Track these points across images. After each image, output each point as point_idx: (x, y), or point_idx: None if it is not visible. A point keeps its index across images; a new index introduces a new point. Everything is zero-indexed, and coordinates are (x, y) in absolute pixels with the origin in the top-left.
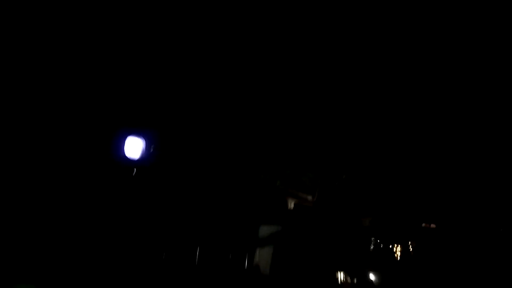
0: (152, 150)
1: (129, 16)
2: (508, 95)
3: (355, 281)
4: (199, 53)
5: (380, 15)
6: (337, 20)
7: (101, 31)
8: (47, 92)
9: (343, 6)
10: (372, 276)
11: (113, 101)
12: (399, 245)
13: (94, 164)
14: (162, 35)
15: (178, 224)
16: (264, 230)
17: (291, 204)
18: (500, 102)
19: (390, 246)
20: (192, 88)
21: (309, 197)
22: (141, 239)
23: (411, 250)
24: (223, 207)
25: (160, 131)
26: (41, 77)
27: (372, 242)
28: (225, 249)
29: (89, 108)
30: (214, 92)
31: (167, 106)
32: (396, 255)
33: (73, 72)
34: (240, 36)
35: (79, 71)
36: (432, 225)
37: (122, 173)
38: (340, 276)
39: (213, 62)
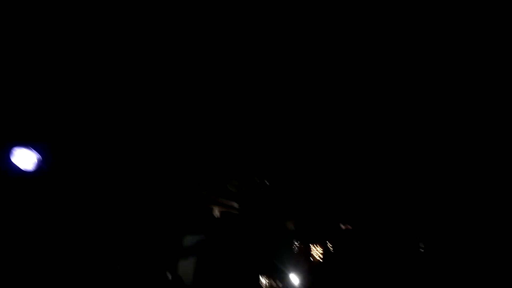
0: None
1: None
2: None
3: (279, 284)
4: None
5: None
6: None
7: None
8: None
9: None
10: (295, 278)
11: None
12: (318, 246)
13: None
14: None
15: (94, 237)
16: (188, 240)
17: (217, 212)
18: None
19: (312, 248)
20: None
21: (235, 204)
22: (52, 255)
23: (331, 250)
24: (144, 217)
25: (60, 138)
26: None
27: (295, 245)
28: (147, 261)
29: None
30: (131, 91)
31: (68, 109)
32: (317, 256)
33: None
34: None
35: None
36: (348, 226)
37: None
38: (264, 280)
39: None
